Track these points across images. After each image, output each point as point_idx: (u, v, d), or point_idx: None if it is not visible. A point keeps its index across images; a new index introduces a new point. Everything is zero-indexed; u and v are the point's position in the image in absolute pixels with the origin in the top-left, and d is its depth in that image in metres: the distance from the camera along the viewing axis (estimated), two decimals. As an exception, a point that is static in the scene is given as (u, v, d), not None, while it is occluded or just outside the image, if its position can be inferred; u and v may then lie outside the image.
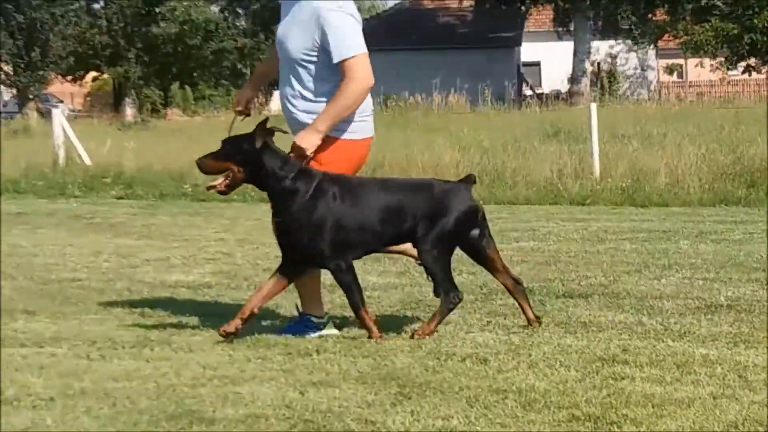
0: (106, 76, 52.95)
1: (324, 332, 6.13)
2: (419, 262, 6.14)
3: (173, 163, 17.67)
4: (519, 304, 6.38)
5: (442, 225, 5.99)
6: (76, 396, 4.76)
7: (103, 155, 18.94)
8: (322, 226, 5.87)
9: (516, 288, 6.35)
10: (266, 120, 6.00)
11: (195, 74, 52.12)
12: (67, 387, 4.90)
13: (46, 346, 5.82)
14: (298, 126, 6.18)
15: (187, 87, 52.50)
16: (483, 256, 6.26)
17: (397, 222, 5.99)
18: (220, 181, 6.01)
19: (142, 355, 5.59)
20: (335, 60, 6.07)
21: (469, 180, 6.25)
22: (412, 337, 5.99)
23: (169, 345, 5.80)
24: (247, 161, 5.93)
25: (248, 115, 6.49)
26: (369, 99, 6.26)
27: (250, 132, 5.95)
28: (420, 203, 6.02)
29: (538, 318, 6.37)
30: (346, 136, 6.17)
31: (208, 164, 6.02)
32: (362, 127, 6.26)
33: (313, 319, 6.18)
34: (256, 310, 5.99)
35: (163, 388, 4.90)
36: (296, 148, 6.03)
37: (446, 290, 6.05)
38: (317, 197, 5.90)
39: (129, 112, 46.01)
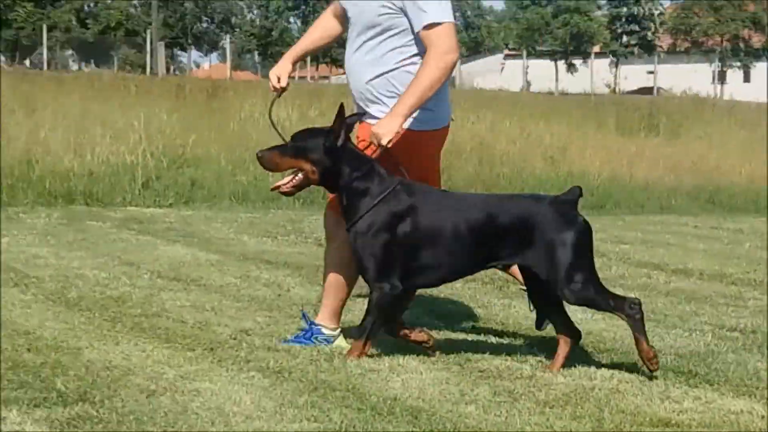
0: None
1: (334, 344, 5.72)
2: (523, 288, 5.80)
3: None
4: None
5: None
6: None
7: None
8: (381, 240, 5.20)
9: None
10: (343, 108, 5.27)
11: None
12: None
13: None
14: (368, 105, 5.52)
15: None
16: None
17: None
18: (286, 180, 5.35)
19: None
20: (416, 28, 5.36)
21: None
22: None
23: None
24: (325, 161, 5.28)
25: (285, 90, 5.76)
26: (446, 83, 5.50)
27: (330, 127, 5.28)
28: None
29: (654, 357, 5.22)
30: (420, 126, 5.45)
31: (273, 161, 5.33)
32: (440, 114, 5.56)
33: (325, 330, 5.74)
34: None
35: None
36: (373, 136, 5.32)
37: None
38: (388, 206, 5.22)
39: None
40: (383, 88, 5.49)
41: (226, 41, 61.06)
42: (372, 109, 5.54)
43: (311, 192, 13.52)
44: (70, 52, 72.79)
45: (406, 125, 5.36)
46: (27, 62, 62.07)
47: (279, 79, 5.72)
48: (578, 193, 5.29)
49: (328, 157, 5.26)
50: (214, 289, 7.39)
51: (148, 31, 52.43)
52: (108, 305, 6.59)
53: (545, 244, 5.18)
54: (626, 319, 5.22)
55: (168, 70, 55.50)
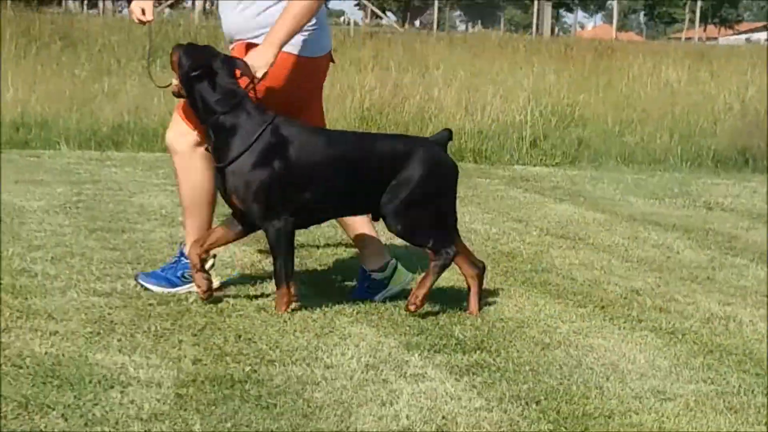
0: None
1: (391, 290, 5.46)
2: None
3: None
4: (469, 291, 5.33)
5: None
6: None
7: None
8: (264, 179, 4.93)
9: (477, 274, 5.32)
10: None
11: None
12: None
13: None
14: (237, 36, 5.27)
15: None
16: None
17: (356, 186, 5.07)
18: (176, 82, 5.08)
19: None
20: None
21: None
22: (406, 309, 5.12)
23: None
24: (186, 85, 5.01)
25: (150, 23, 5.35)
26: (323, 9, 5.27)
27: (202, 48, 5.14)
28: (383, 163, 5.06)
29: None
30: (300, 51, 5.17)
31: (171, 56, 5.10)
32: (321, 41, 5.29)
33: (375, 275, 5.50)
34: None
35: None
36: (245, 69, 5.01)
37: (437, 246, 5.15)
38: (264, 144, 4.94)
39: None
40: (257, 28, 5.22)
41: (613, 2, 60.39)
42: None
43: (700, 154, 13.27)
44: (458, 12, 74.32)
45: (287, 50, 5.10)
46: (417, 23, 63.94)
47: (143, 11, 5.34)
48: (447, 136, 5.23)
49: (189, 83, 4.99)
50: (603, 248, 7.38)
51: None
52: (499, 260, 6.74)
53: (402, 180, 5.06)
54: (431, 258, 5.13)
55: (552, 31, 55.62)
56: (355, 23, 44.20)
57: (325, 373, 4.18)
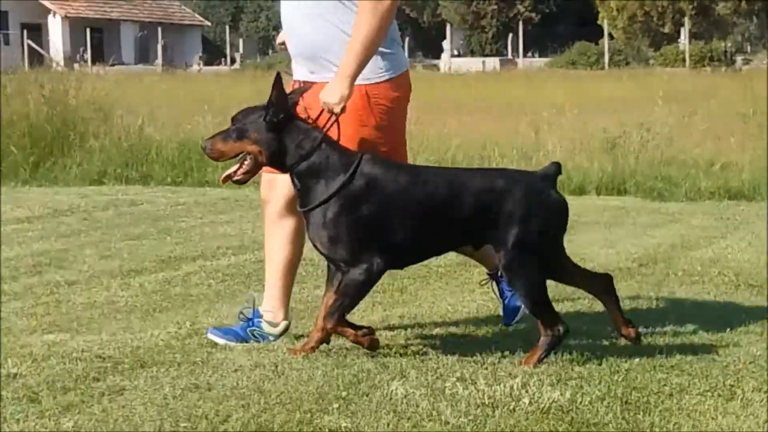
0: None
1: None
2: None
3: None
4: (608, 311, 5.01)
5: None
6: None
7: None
8: (349, 225, 4.65)
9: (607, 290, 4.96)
10: (280, 77, 4.75)
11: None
12: None
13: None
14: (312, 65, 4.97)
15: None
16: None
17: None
18: (236, 168, 4.79)
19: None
20: None
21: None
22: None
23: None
24: (269, 139, 4.72)
25: None
26: (394, 25, 4.97)
27: (268, 101, 4.76)
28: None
29: (637, 334, 4.99)
30: (372, 80, 4.86)
31: (218, 149, 4.78)
32: (398, 58, 4.98)
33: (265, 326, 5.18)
34: None
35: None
36: (324, 106, 4.77)
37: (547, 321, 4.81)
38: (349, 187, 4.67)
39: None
40: (331, 45, 4.92)
41: None
42: (317, 71, 4.99)
43: None
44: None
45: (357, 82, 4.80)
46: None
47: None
48: (555, 169, 4.85)
49: (272, 134, 4.72)
50: None
51: None
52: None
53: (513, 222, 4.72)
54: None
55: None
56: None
57: None
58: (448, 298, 6.41)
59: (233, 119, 4.82)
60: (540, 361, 4.73)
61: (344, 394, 4.24)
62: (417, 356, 4.87)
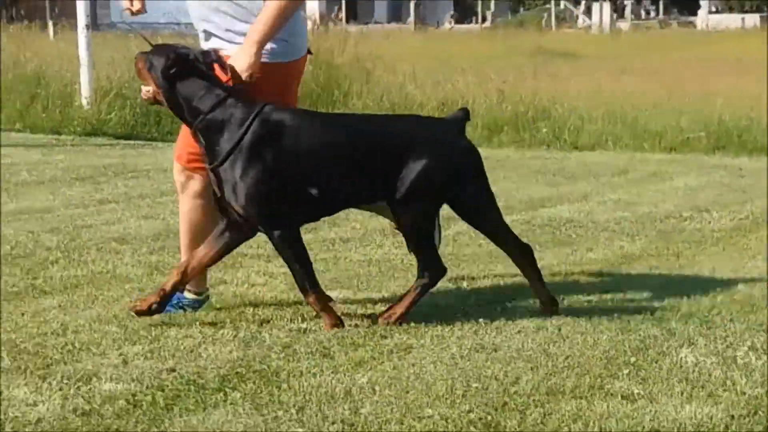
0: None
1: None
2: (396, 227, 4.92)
3: None
4: (527, 278, 4.96)
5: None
6: None
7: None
8: (260, 176, 4.51)
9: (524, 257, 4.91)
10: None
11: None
12: None
13: None
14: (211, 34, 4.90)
15: None
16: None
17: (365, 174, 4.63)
18: (144, 89, 4.72)
19: None
20: None
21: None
22: (375, 322, 4.76)
23: None
24: (166, 87, 4.61)
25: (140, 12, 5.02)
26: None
27: (171, 45, 4.75)
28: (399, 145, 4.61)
29: (554, 301, 4.95)
30: (274, 58, 4.79)
31: (137, 65, 4.71)
32: (295, 45, 4.92)
33: (188, 294, 5.06)
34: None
35: None
36: (231, 71, 4.67)
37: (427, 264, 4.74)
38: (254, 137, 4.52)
39: None
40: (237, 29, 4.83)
41: None
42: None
43: None
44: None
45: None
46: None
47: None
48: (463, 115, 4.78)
49: (167, 83, 4.58)
50: None
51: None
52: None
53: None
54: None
55: None
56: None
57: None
58: (728, 264, 6.26)
59: (154, 47, 4.76)
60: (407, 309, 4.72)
61: (633, 359, 4.21)
62: (703, 324, 4.77)
